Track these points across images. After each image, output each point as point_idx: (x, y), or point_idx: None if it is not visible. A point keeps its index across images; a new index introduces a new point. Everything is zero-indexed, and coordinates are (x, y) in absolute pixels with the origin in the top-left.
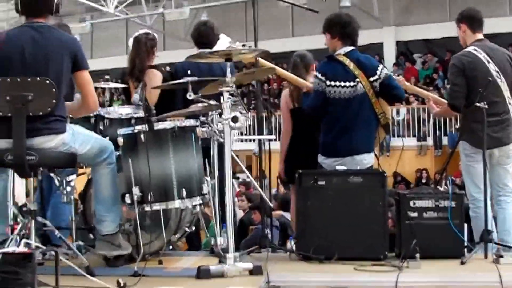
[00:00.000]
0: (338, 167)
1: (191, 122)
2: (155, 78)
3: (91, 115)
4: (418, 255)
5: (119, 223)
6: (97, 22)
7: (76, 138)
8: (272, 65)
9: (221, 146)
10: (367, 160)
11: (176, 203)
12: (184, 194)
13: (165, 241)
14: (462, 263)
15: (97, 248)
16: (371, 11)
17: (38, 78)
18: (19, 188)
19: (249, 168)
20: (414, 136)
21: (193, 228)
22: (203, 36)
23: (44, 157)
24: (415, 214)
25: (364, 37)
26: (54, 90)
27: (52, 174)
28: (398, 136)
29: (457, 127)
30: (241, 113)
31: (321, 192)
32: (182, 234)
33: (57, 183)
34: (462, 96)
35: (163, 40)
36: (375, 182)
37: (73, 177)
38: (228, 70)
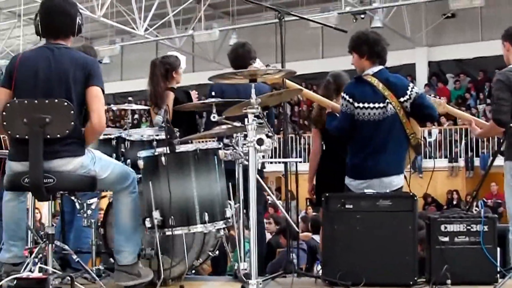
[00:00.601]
0: (366, 190)
1: (213, 145)
2: (168, 99)
3: (112, 137)
4: (449, 281)
5: (138, 252)
6: (127, 44)
7: (96, 162)
8: (299, 86)
9: (246, 169)
10: (396, 182)
11: (199, 228)
12: (207, 218)
13: (187, 266)
14: None
15: (115, 279)
16: (403, 31)
17: (56, 100)
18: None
19: (278, 189)
20: (445, 157)
21: (217, 252)
22: (239, 58)
23: (63, 180)
24: (446, 239)
25: (396, 58)
26: (72, 112)
27: (73, 197)
28: (430, 157)
29: (491, 148)
30: (267, 135)
31: (349, 216)
32: (205, 258)
33: (77, 206)
34: (508, 111)
35: (192, 62)
36: (405, 205)
37: (94, 200)
38: (253, 91)
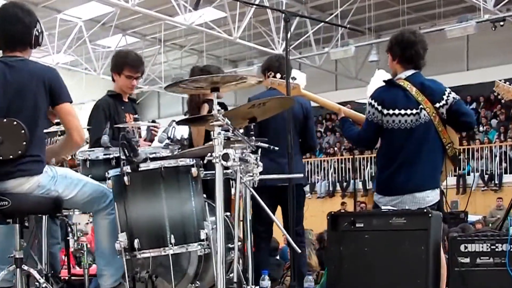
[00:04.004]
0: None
1: (186, 162)
2: (203, 110)
3: (111, 156)
4: None
5: (120, 277)
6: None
7: (58, 181)
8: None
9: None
10: (430, 197)
11: (168, 250)
12: (178, 240)
13: None
14: None
15: None
16: None
17: (5, 120)
18: None
19: None
20: None
21: (231, 275)
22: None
23: (19, 202)
24: (467, 260)
25: None
26: (23, 131)
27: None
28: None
29: None
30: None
31: (358, 236)
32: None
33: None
34: None
35: (335, 80)
36: (418, 224)
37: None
38: (215, 102)
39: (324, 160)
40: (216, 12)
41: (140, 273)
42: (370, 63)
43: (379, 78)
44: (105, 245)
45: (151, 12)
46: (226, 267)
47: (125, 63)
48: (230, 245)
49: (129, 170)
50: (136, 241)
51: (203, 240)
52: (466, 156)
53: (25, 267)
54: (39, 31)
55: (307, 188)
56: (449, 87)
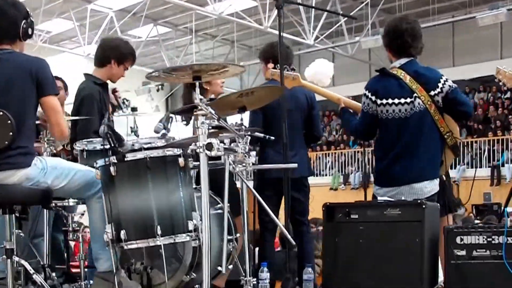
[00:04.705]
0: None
1: (173, 152)
2: None
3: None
4: None
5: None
6: (302, 53)
7: (48, 173)
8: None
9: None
10: (429, 188)
11: (156, 241)
12: (165, 231)
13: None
14: None
15: (93, 285)
16: None
17: None
18: None
19: None
20: None
21: (230, 267)
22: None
23: (7, 193)
24: (463, 253)
25: None
26: (9, 122)
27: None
28: None
29: None
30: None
31: (352, 228)
32: (215, 275)
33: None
34: None
35: (369, 69)
36: (412, 215)
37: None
38: (197, 90)
39: (357, 151)
40: (247, 1)
41: (135, 264)
42: None
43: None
44: (100, 228)
45: (181, 1)
46: (225, 259)
47: (130, 55)
48: (229, 237)
49: (115, 160)
50: (122, 232)
51: (191, 231)
52: (500, 147)
53: (16, 258)
54: (28, 23)
55: (341, 179)
56: (483, 76)
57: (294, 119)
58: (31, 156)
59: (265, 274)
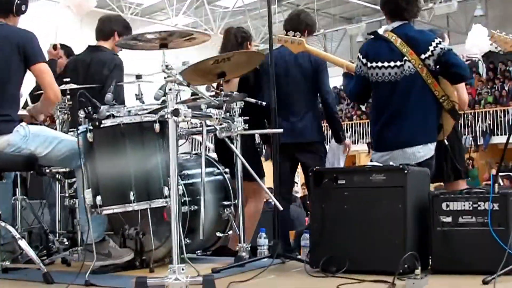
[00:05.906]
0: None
1: (149, 118)
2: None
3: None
4: None
5: (104, 231)
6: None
7: (30, 139)
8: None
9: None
10: (422, 153)
11: (133, 206)
12: (140, 196)
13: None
14: (485, 282)
15: (83, 258)
16: None
17: None
18: None
19: None
20: None
21: (230, 232)
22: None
23: None
24: (448, 219)
25: None
26: None
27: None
28: None
29: None
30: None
31: (338, 193)
32: (214, 242)
33: None
34: None
35: (448, 36)
36: (395, 180)
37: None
38: (163, 59)
39: None
40: None
41: (129, 230)
42: (476, 17)
43: (476, 33)
44: None
45: None
46: (222, 225)
47: (130, 29)
48: (225, 203)
49: (91, 127)
50: (98, 198)
51: (166, 197)
52: None
53: (3, 224)
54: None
55: None
56: None
57: (298, 84)
58: (13, 123)
59: (263, 240)
